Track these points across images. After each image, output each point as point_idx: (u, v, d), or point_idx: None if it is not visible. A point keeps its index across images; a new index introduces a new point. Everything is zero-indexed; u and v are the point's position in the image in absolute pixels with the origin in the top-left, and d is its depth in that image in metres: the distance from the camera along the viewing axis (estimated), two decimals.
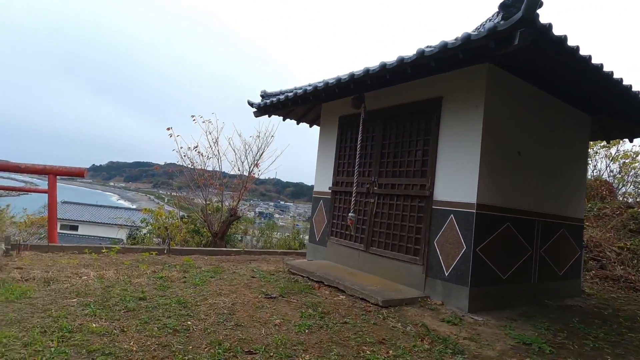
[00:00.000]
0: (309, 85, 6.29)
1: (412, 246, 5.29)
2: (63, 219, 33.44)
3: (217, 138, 10.86)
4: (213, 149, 11.06)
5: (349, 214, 5.71)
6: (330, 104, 7.26)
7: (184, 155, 11.08)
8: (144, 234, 14.24)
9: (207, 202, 11.48)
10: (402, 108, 5.75)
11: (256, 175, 12.52)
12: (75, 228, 34.14)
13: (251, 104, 7.73)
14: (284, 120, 8.27)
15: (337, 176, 6.94)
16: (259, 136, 11.21)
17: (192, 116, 10.93)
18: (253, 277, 5.75)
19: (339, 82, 5.47)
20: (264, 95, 7.68)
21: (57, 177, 8.77)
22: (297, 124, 8.49)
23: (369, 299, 4.67)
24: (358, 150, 5.84)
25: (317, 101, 7.33)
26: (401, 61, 4.47)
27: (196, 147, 11.11)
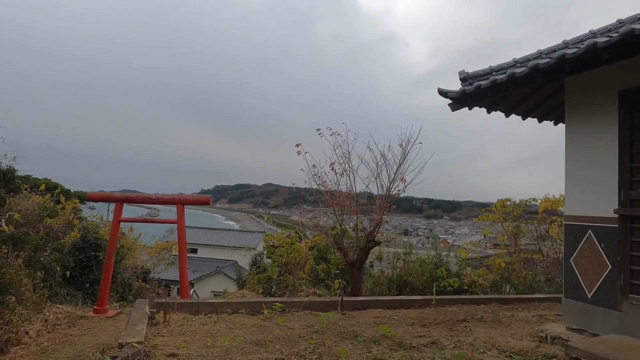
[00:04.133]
0: (553, 50, 3.70)
1: None
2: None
3: (349, 152, 8.71)
4: (344, 165, 8.93)
5: None
6: (589, 76, 4.49)
7: (314, 175, 9.10)
8: (268, 263, 12.70)
9: (341, 225, 9.29)
10: None
11: (401, 193, 9.94)
12: (195, 251, 35.30)
13: (444, 93, 5.33)
14: (488, 112, 5.69)
15: (633, 190, 4.09)
16: (401, 145, 8.80)
17: (318, 129, 9.00)
18: None
19: (628, 34, 2.78)
20: (466, 78, 5.23)
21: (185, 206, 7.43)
22: (507, 116, 5.84)
23: None
24: None
25: (560, 75, 4.63)
26: None
27: (333, 164, 9.05)
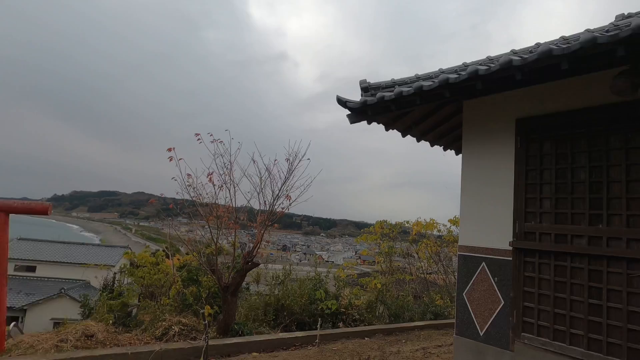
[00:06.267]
0: (470, 66, 3.46)
1: None
2: (17, 259, 28.35)
3: (231, 163, 7.63)
4: (224, 177, 7.82)
5: None
6: (489, 102, 4.34)
7: (188, 185, 7.75)
8: (125, 285, 10.56)
9: (216, 244, 8.10)
10: None
11: (286, 210, 9.15)
12: (32, 269, 29.01)
13: (343, 102, 4.71)
14: (386, 129, 5.26)
15: (527, 222, 3.92)
16: (288, 159, 8.13)
17: (197, 134, 7.74)
18: None
19: (546, 53, 2.71)
20: (367, 88, 4.70)
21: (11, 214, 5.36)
22: (403, 136, 5.50)
23: None
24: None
25: (464, 96, 4.43)
26: None
27: (211, 175, 7.81)
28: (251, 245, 8.05)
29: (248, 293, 11.05)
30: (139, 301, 9.20)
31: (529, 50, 3.62)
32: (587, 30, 3.41)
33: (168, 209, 8.84)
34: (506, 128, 4.16)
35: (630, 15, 4.16)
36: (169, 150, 7.40)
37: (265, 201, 8.19)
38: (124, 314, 9.28)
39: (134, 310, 9.20)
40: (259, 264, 8.53)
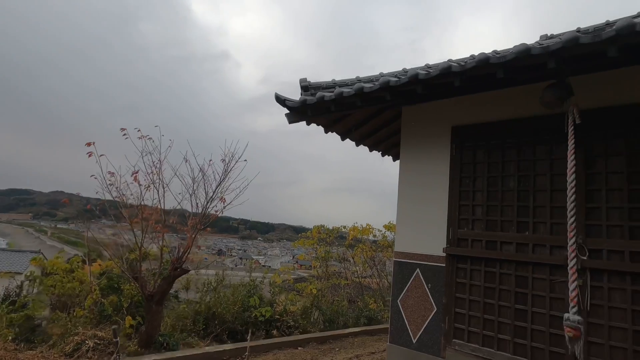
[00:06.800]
0: (410, 70, 3.45)
1: None
2: None
3: (161, 161, 7.06)
4: (152, 176, 7.22)
5: (568, 316, 2.74)
6: (427, 108, 4.38)
7: (110, 184, 7.04)
8: (32, 296, 9.37)
9: (140, 249, 7.46)
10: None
11: (220, 213, 8.70)
12: None
13: (282, 101, 4.48)
14: (325, 132, 5.11)
15: (460, 228, 3.96)
16: (223, 160, 7.76)
17: (122, 129, 7.07)
18: None
19: (484, 61, 2.79)
20: (308, 87, 4.51)
21: None
22: (342, 139, 5.38)
23: None
24: (571, 185, 2.94)
25: (404, 101, 4.42)
26: None
27: (136, 174, 7.16)
28: (181, 250, 7.51)
29: (177, 302, 10.34)
30: (52, 312, 8.16)
31: (465, 60, 3.68)
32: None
33: (89, 210, 7.98)
34: (443, 135, 4.21)
35: (553, 36, 4.44)
36: (88, 145, 6.65)
37: (197, 203, 7.70)
38: (29, 328, 8.14)
39: (43, 324, 8.13)
40: (189, 270, 7.96)
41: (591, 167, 3.30)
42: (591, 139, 3.31)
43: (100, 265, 9.41)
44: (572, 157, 2.92)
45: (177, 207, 7.94)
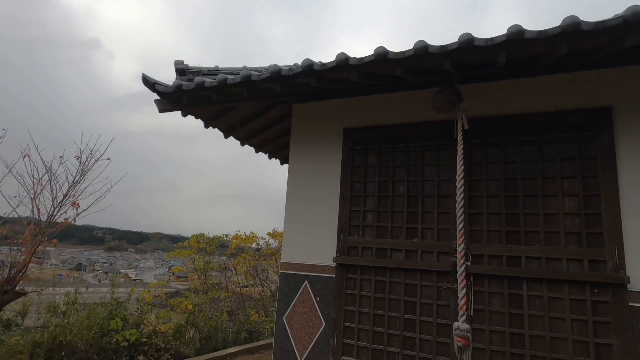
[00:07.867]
0: (303, 64, 3.16)
1: None
2: None
3: None
4: None
5: (458, 325, 2.64)
6: (320, 107, 4.09)
7: None
8: None
9: None
10: (527, 120, 3.27)
11: (72, 221, 7.28)
12: None
13: (151, 84, 3.70)
14: (206, 126, 4.43)
15: (351, 236, 3.70)
16: (79, 157, 6.53)
17: None
18: None
19: (381, 57, 2.70)
20: (184, 70, 3.82)
21: None
22: (226, 137, 4.75)
23: None
24: (460, 191, 2.88)
25: (295, 97, 4.07)
26: (574, 26, 2.18)
27: None
28: (15, 268, 5.92)
29: (8, 332, 8.24)
30: None
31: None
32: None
33: None
34: (334, 137, 3.96)
35: None
36: None
37: (39, 209, 6.21)
38: None
39: None
40: (26, 293, 6.35)
41: (473, 174, 3.37)
42: (472, 147, 3.39)
43: None
44: (462, 162, 2.90)
45: (12, 215, 6.32)
